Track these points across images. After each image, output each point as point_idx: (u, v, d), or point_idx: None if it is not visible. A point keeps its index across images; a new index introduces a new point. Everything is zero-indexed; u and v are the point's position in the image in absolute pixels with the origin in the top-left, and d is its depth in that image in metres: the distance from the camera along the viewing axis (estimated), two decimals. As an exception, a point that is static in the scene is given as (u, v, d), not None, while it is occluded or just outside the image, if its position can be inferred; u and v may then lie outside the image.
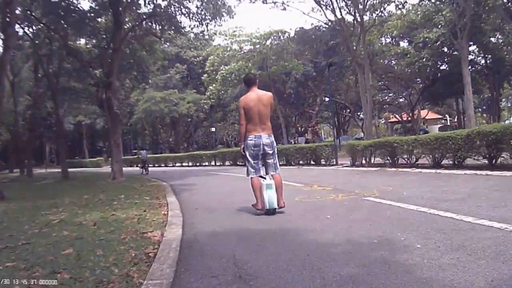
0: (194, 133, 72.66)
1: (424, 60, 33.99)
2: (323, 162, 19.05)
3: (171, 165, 36.49)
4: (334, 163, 18.39)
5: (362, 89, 31.51)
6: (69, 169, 43.40)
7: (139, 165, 28.06)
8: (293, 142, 43.20)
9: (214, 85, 38.10)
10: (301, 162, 20.61)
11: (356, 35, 31.28)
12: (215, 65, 37.95)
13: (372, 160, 15.85)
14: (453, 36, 29.15)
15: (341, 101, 50.37)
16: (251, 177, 6.40)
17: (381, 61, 40.31)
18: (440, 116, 70.09)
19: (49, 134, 53.40)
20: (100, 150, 74.89)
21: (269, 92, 6.57)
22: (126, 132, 70.43)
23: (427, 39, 33.23)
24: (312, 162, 19.94)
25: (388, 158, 14.86)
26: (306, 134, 61.64)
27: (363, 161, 16.20)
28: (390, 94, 53.44)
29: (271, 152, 6.34)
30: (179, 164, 35.36)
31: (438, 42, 33.16)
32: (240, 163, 26.43)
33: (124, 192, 11.54)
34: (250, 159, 6.37)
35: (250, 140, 6.27)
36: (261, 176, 6.38)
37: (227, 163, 28.75)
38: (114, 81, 19.12)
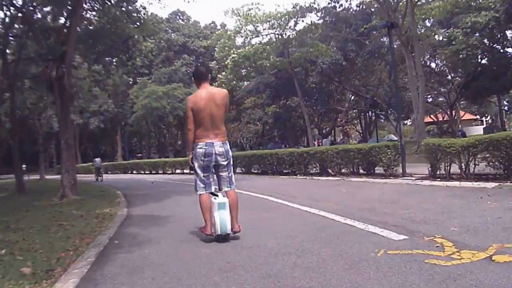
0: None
1: (471, 48, 28.71)
2: (380, 171, 13.11)
3: (170, 172, 30.75)
4: (401, 173, 12.44)
5: (410, 76, 25.74)
6: (51, 177, 39.41)
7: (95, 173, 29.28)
8: (316, 144, 37.51)
9: (223, 73, 32.18)
10: (344, 170, 14.67)
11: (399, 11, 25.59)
12: (225, 50, 31.99)
13: (471, 169, 10.02)
14: (509, 19, 25.98)
15: (370, 96, 44.11)
16: (200, 194, 5.33)
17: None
18: (474, 117, 63.81)
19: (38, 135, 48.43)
20: (102, 154, 69.50)
21: (223, 90, 5.63)
22: (130, 135, 65.44)
23: (476, 24, 28.09)
24: (360, 171, 14.01)
25: (502, 165, 9.24)
26: (330, 136, 56.23)
27: (450, 170, 10.44)
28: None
29: (225, 163, 5.36)
30: (179, 171, 29.56)
31: (486, 28, 28.41)
32: (255, 171, 21.26)
33: (33, 233, 6.49)
34: (199, 171, 5.36)
35: (200, 148, 5.27)
36: (212, 193, 5.35)
37: (238, 170, 23.06)
38: (71, 52, 13.44)
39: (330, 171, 15.20)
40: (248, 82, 51.77)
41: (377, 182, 11.33)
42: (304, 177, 15.67)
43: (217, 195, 5.35)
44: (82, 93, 26.48)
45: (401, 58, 37.00)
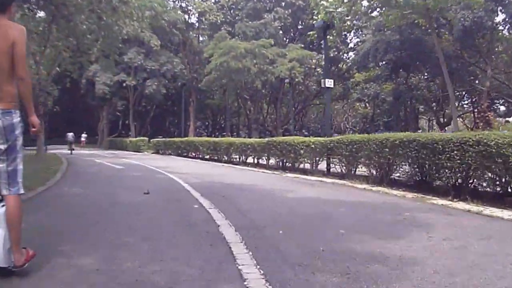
0: (303, 114, 55.22)
1: None
2: None
3: (237, 160, 19.47)
4: None
5: None
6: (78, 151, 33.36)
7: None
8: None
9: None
10: None
11: None
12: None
13: None
14: None
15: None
16: None
17: None
18: None
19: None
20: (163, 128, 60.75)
21: (18, 25, 3.62)
22: (206, 106, 55.63)
23: None
24: None
25: None
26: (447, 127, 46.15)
27: None
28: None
29: (2, 147, 3.45)
30: (239, 158, 19.03)
31: None
32: (401, 178, 9.95)
33: None
34: None
35: None
36: None
37: (359, 170, 11.99)
38: None
39: None
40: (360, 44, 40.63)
41: None
42: None
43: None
44: (82, 13, 16.18)
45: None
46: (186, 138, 27.76)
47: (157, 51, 39.76)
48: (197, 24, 48.96)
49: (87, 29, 18.81)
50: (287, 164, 15.39)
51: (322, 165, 13.68)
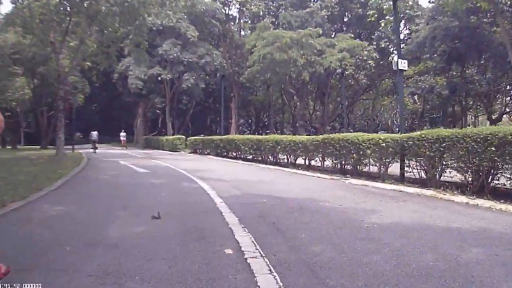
0: (350, 110, 51.90)
1: None
2: None
3: (285, 161, 16.43)
4: None
5: None
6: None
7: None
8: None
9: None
10: None
11: None
12: None
13: None
14: None
15: None
16: None
17: None
18: None
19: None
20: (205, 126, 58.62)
21: None
22: (249, 103, 53.25)
23: None
24: None
25: None
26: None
27: None
28: None
29: None
30: (287, 158, 16.03)
31: None
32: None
33: None
34: None
35: None
36: None
37: (416, 169, 9.32)
38: None
39: None
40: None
41: None
42: None
43: None
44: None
45: None
46: (225, 136, 24.86)
47: (195, 43, 37.18)
48: (237, 15, 46.43)
49: (108, 12, 16.69)
50: (346, 166, 12.58)
51: (391, 168, 10.79)
